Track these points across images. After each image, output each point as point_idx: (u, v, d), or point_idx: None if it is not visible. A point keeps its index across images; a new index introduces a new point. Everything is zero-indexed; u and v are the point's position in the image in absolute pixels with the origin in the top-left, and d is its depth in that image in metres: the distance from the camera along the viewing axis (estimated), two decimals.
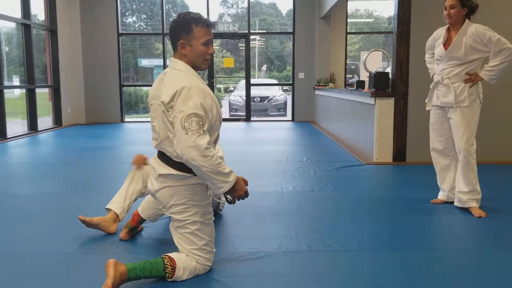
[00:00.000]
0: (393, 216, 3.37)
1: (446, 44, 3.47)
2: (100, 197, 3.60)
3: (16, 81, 9.09)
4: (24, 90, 8.78)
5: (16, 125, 8.65)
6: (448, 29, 3.51)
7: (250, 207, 3.55)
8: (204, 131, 2.13)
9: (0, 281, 2.29)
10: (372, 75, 5.37)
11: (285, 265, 2.49)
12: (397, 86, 5.23)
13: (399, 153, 5.32)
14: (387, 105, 5.26)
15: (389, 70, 6.22)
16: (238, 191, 2.31)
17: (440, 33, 3.58)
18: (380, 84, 5.27)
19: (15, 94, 9.24)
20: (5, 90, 7.78)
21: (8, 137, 7.71)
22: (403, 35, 5.20)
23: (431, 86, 3.63)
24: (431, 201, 3.68)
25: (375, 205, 3.66)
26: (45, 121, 9.48)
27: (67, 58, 9.90)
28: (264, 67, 19.94)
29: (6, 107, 7.78)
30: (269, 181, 4.47)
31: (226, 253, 2.63)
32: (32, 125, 8.73)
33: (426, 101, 3.68)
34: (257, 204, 3.65)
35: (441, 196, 3.67)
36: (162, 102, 2.17)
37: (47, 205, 3.70)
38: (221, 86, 17.66)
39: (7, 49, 8.82)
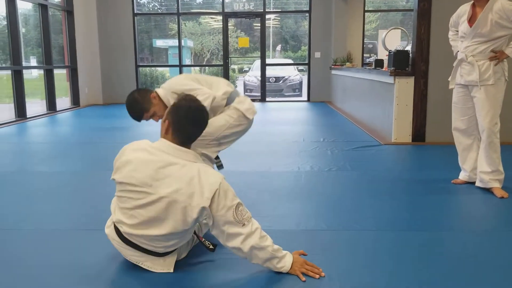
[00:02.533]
0: (412, 196, 3.33)
1: (471, 20, 3.36)
2: None
3: (33, 62, 9.14)
4: (42, 71, 8.83)
5: (35, 105, 8.72)
6: (473, 5, 3.40)
7: (266, 187, 3.54)
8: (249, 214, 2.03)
9: (24, 255, 2.31)
10: (392, 53, 5.26)
11: (303, 243, 2.48)
12: (417, 64, 5.12)
13: (419, 133, 5.24)
14: (407, 84, 5.16)
15: (408, 48, 6.09)
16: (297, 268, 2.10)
17: (464, 9, 3.47)
18: (400, 63, 5.17)
19: (33, 75, 9.31)
20: (23, 71, 7.82)
21: (28, 117, 7.79)
22: (424, 11, 5.07)
23: (454, 64, 3.54)
24: (452, 181, 3.62)
25: (394, 185, 3.62)
26: (63, 101, 9.55)
27: (84, 39, 9.91)
28: (278, 47, 19.75)
29: (25, 88, 7.84)
30: (286, 161, 4.44)
31: None
32: (51, 105, 8.80)
33: (449, 79, 3.59)
34: (274, 184, 3.64)
35: (463, 176, 3.61)
36: (203, 207, 1.90)
37: (67, 183, 3.74)
38: (235, 66, 17.56)
39: (23, 30, 8.85)
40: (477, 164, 3.46)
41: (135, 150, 2.02)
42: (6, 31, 7.63)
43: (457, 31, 3.59)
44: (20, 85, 7.69)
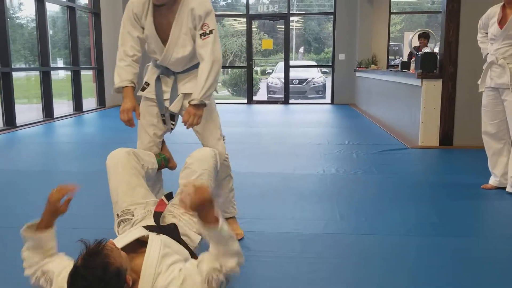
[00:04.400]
0: (441, 201, 3.27)
1: (501, 22, 3.30)
2: None
3: (60, 64, 9.31)
4: (68, 72, 8.99)
5: (61, 106, 8.88)
6: (503, 7, 3.33)
7: (292, 188, 3.53)
8: None
9: None
10: (419, 55, 5.18)
11: (330, 247, 2.46)
12: (445, 67, 5.04)
13: (446, 137, 5.15)
14: (435, 87, 5.08)
15: (436, 50, 5.99)
16: None
17: (494, 11, 3.40)
18: (427, 65, 5.09)
19: (60, 76, 9.48)
20: (51, 72, 7.98)
21: (55, 117, 7.94)
22: (453, 13, 4.98)
23: (484, 67, 3.47)
24: (481, 187, 3.54)
25: (422, 189, 3.56)
26: (89, 102, 9.69)
27: (110, 40, 10.05)
28: (301, 49, 19.69)
29: (52, 89, 7.99)
30: (310, 163, 4.42)
31: (270, 233, 2.62)
32: (77, 106, 8.95)
33: (479, 82, 3.52)
34: (299, 186, 3.62)
35: (493, 181, 3.53)
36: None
37: (94, 182, 3.79)
38: (258, 68, 17.54)
39: (51, 32, 9.02)
40: (508, 169, 3.38)
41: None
42: (35, 32, 7.80)
43: (487, 33, 3.52)
44: (48, 86, 7.85)
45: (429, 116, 5.14)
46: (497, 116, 3.43)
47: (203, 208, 1.52)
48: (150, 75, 2.41)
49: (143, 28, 2.27)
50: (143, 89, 2.41)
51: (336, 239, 2.56)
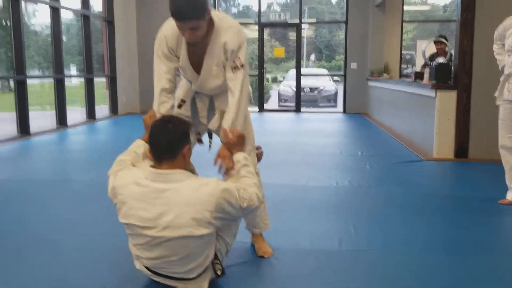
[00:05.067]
0: (457, 216, 3.21)
1: None
2: None
3: (73, 70, 9.39)
4: (82, 79, 9.05)
5: (75, 113, 8.93)
6: None
7: (304, 202, 3.49)
8: None
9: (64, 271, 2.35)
10: (433, 66, 5.14)
11: (345, 264, 2.42)
12: (460, 77, 4.98)
13: (461, 149, 5.08)
14: (449, 98, 5.02)
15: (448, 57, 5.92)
16: None
17: (510, 22, 3.36)
18: (441, 76, 5.04)
19: (73, 83, 9.55)
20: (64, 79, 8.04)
21: (68, 125, 7.99)
22: (467, 23, 4.93)
23: (501, 79, 3.42)
24: (498, 202, 3.48)
25: (437, 203, 3.51)
26: (101, 109, 9.75)
27: (123, 49, 10.13)
28: (312, 57, 19.68)
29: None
30: (323, 174, 4.39)
31: (284, 249, 2.58)
32: (90, 114, 9.01)
33: (496, 95, 3.47)
34: (313, 198, 3.59)
35: (510, 196, 3.47)
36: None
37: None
38: (269, 76, 17.52)
39: (65, 38, 9.10)
40: None
41: (124, 185, 1.91)
42: (49, 39, 7.87)
43: (503, 44, 3.47)
44: (61, 93, 7.92)
45: (444, 128, 5.08)
46: None
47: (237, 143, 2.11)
48: (186, 91, 2.42)
49: (178, 57, 2.26)
50: (179, 106, 2.42)
51: (351, 256, 2.52)
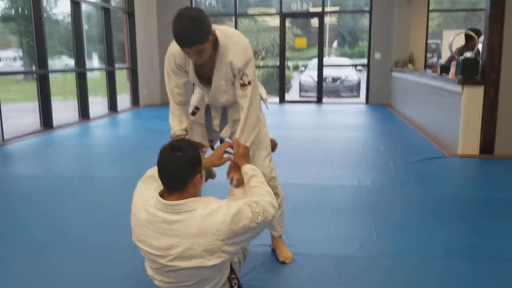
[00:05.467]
0: (482, 219, 3.11)
1: None
2: None
3: (95, 59, 9.43)
4: (103, 67, 9.09)
5: (96, 105, 9.01)
6: None
7: (325, 203, 3.45)
8: None
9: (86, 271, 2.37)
10: (460, 60, 4.99)
11: (366, 271, 2.38)
12: (488, 73, 4.83)
13: (487, 146, 4.95)
14: (476, 93, 4.88)
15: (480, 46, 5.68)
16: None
17: None
18: (468, 71, 4.89)
19: (95, 73, 9.59)
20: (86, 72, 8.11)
21: (90, 117, 8.08)
22: (497, 17, 4.75)
23: None
24: None
25: (462, 205, 3.42)
26: (123, 98, 9.80)
27: (144, 40, 10.15)
28: (335, 44, 19.43)
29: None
30: (345, 173, 4.32)
31: (303, 254, 2.55)
32: (112, 106, 9.09)
33: None
34: (334, 200, 3.54)
35: None
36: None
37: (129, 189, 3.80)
38: (290, 63, 17.34)
39: (86, 27, 9.12)
40: None
41: (138, 209, 1.82)
42: (70, 27, 7.89)
43: None
44: (83, 87, 7.99)
45: (470, 124, 4.95)
46: None
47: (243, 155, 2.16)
48: (200, 99, 2.42)
49: (187, 72, 2.26)
50: (193, 114, 2.45)
51: (372, 262, 2.48)
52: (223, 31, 2.15)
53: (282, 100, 10.78)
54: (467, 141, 4.99)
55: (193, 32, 1.95)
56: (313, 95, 11.25)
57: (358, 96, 12.41)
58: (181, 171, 1.73)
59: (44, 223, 3.08)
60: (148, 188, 1.86)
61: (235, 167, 2.16)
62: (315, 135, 6.46)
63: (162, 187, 1.80)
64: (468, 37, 5.86)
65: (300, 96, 12.50)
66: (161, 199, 1.73)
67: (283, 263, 2.47)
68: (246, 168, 2.10)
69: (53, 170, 4.57)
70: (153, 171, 1.98)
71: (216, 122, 2.44)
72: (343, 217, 3.18)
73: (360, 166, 4.58)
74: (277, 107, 10.00)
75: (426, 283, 2.25)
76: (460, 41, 6.27)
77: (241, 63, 2.13)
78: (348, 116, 8.47)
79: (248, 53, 2.16)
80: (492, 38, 4.77)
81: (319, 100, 10.74)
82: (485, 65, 4.85)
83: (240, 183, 2.13)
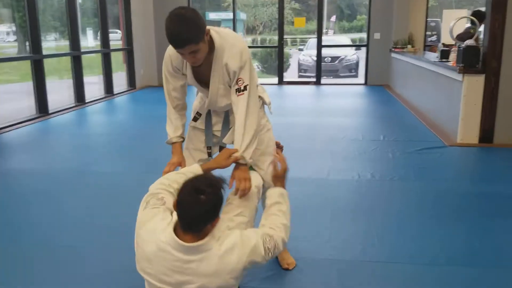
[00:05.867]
0: (483, 218, 3.12)
1: None
2: None
3: (89, 34, 9.25)
4: (98, 42, 8.92)
5: (92, 86, 8.89)
6: None
7: (325, 200, 3.44)
8: None
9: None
10: (461, 48, 4.92)
11: (368, 278, 2.39)
12: (489, 61, 4.77)
13: (487, 134, 4.93)
14: (477, 82, 4.83)
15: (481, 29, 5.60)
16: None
17: None
18: (469, 59, 4.83)
19: (89, 45, 9.39)
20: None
21: (86, 101, 7.99)
22: (499, 4, 4.67)
23: None
24: None
25: (462, 201, 3.42)
26: (119, 77, 9.68)
27: (139, 19, 9.97)
28: (333, 18, 19.17)
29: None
30: (345, 165, 4.31)
31: (304, 259, 2.55)
32: (108, 89, 8.99)
33: None
34: (334, 196, 3.54)
35: None
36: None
37: (125, 188, 3.79)
38: (288, 38, 17.03)
39: (80, 0, 8.88)
40: None
41: (146, 241, 1.72)
42: (64, 1, 7.71)
43: None
44: (79, 70, 7.88)
45: (470, 113, 4.92)
46: None
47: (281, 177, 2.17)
48: (202, 105, 2.38)
49: (184, 75, 2.22)
50: (195, 119, 2.41)
51: (374, 269, 2.48)
52: (218, 32, 2.10)
53: (281, 81, 10.68)
54: (467, 129, 4.97)
55: (186, 31, 1.91)
56: (312, 75, 11.15)
57: (356, 76, 12.31)
58: (202, 216, 1.64)
59: (40, 223, 3.06)
60: (155, 219, 1.75)
61: (241, 177, 2.10)
62: (314, 122, 6.42)
63: (170, 216, 1.74)
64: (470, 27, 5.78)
65: (299, 76, 12.40)
66: (178, 240, 1.65)
67: (286, 269, 2.47)
68: (275, 192, 2.09)
69: (51, 164, 4.51)
70: (157, 188, 1.93)
71: (217, 128, 2.40)
72: (344, 217, 3.18)
73: (360, 158, 4.57)
74: (276, 89, 9.92)
75: None
76: (462, 24, 6.19)
77: (236, 66, 2.07)
78: (347, 100, 8.41)
79: (244, 55, 2.09)
80: (493, 26, 4.69)
81: (318, 81, 10.64)
82: (486, 54, 4.79)
83: (243, 193, 2.10)
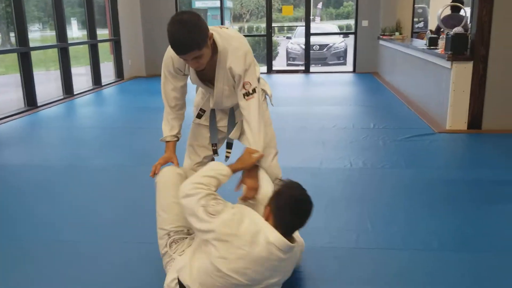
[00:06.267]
0: (474, 204, 3.18)
1: None
2: None
3: (74, 24, 9.11)
4: (85, 32, 8.81)
5: (80, 77, 8.81)
6: None
7: (319, 189, 3.45)
8: None
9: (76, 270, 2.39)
10: (449, 36, 4.97)
11: (366, 265, 2.44)
12: (477, 49, 4.83)
13: (475, 121, 5.01)
14: (465, 69, 4.89)
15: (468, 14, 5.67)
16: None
17: None
18: (457, 47, 4.89)
19: (75, 36, 9.27)
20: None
21: (74, 93, 7.93)
22: None
23: None
24: None
25: (453, 188, 3.48)
26: (107, 68, 9.59)
27: (126, 10, 9.87)
28: (319, 4, 19.14)
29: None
30: (337, 154, 4.36)
31: (305, 247, 2.59)
32: (96, 80, 8.92)
33: None
34: (328, 185, 3.58)
35: None
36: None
37: (117, 181, 3.80)
38: (276, 26, 16.96)
39: None
40: None
41: (249, 242, 1.78)
42: None
43: None
44: (66, 62, 7.80)
45: (458, 99, 4.99)
46: None
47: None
48: (206, 102, 2.36)
49: (186, 75, 2.20)
50: (199, 116, 2.38)
51: (370, 255, 2.53)
52: (221, 34, 2.07)
53: (270, 70, 10.67)
54: (456, 116, 5.04)
55: (189, 38, 1.87)
56: (301, 63, 11.16)
57: (345, 63, 12.35)
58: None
59: (34, 221, 3.05)
60: (247, 221, 1.82)
61: (251, 186, 2.13)
62: (305, 111, 6.45)
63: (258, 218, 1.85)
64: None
65: (288, 64, 12.40)
66: (286, 241, 1.80)
67: None
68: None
69: (43, 159, 4.49)
70: (197, 188, 1.89)
71: (222, 123, 2.38)
72: (339, 205, 3.23)
73: (351, 146, 4.62)
74: (266, 78, 9.75)
75: (421, 277, 2.32)
76: (446, 12, 6.26)
77: (241, 70, 2.06)
78: (337, 88, 8.45)
79: (248, 58, 2.08)
80: (481, 14, 4.74)
81: (307, 70, 10.66)
82: (474, 41, 4.84)
83: (247, 199, 2.15)
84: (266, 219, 1.86)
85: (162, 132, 2.37)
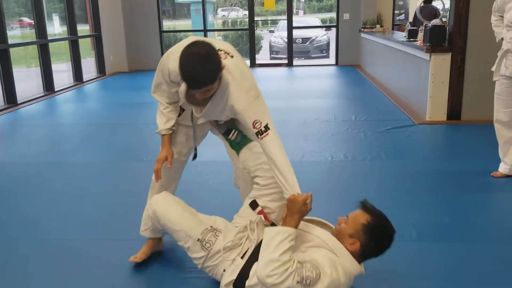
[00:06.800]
0: (452, 194, 3.25)
1: None
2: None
3: (55, 19, 8.99)
4: (65, 28, 8.70)
5: (61, 74, 8.71)
6: None
7: (303, 182, 3.43)
8: None
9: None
10: (428, 28, 5.02)
11: None
12: (455, 40, 4.90)
13: (454, 111, 5.09)
14: (443, 61, 4.96)
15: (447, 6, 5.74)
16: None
17: None
18: (436, 38, 4.94)
19: (56, 32, 9.15)
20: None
21: (56, 90, 7.83)
22: None
23: (499, 54, 3.36)
24: (491, 174, 3.53)
25: (432, 179, 3.54)
26: (88, 64, 9.50)
27: (107, 5, 9.76)
28: None
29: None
30: (318, 147, 4.39)
31: None
32: (78, 76, 8.82)
33: (493, 69, 3.43)
34: (309, 178, 3.59)
35: (503, 169, 3.51)
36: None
37: (100, 177, 3.78)
38: (259, 19, 16.92)
39: None
40: None
41: (339, 272, 1.85)
42: None
43: (501, 16, 3.39)
44: (47, 59, 7.70)
45: (438, 91, 5.06)
46: (510, 104, 3.36)
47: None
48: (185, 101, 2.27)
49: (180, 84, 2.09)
50: (178, 115, 2.30)
51: None
52: (230, 70, 1.95)
53: (253, 63, 10.66)
54: (435, 107, 5.11)
55: (205, 74, 1.82)
56: (283, 56, 11.17)
57: (327, 56, 12.39)
58: None
59: (17, 217, 3.04)
60: (343, 265, 1.91)
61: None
62: (287, 105, 6.47)
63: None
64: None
65: (271, 58, 12.40)
66: (362, 269, 1.99)
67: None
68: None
69: (25, 157, 4.43)
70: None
71: (202, 120, 2.30)
72: (320, 198, 3.21)
73: (332, 139, 4.65)
74: None
75: (398, 267, 2.36)
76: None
77: (242, 107, 1.96)
78: (319, 81, 8.49)
79: (253, 92, 1.99)
80: (459, 5, 4.80)
81: (290, 63, 10.67)
82: (452, 32, 4.90)
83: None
84: (350, 249, 1.95)
85: (155, 126, 2.30)
